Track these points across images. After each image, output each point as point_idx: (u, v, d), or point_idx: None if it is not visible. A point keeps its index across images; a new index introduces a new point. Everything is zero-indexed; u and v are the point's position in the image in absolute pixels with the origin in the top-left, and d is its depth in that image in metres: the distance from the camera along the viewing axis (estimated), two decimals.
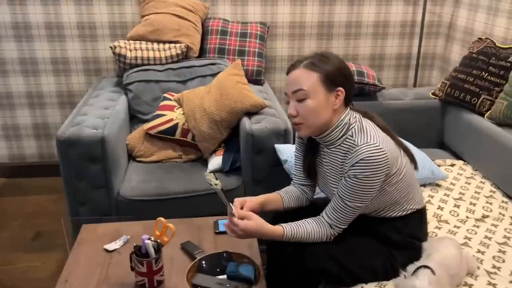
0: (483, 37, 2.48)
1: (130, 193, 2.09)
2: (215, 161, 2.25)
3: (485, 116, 2.23)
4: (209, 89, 2.35)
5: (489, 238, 1.71)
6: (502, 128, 2.11)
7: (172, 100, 2.46)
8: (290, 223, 1.41)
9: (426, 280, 1.31)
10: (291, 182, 1.65)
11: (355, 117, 1.41)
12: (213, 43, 2.77)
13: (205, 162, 2.34)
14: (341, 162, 1.40)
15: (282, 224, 1.40)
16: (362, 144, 1.31)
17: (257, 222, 1.35)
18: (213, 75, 2.56)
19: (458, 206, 1.93)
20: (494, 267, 1.54)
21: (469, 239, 1.70)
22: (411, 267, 1.40)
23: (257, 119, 2.18)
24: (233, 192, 2.15)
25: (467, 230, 1.77)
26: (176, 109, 2.41)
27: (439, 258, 1.40)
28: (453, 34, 2.98)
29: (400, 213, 1.48)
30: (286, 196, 1.57)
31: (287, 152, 2.07)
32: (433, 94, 2.54)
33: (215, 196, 1.73)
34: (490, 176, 2.14)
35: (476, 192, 2.05)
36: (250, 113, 2.24)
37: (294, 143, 2.13)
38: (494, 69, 2.26)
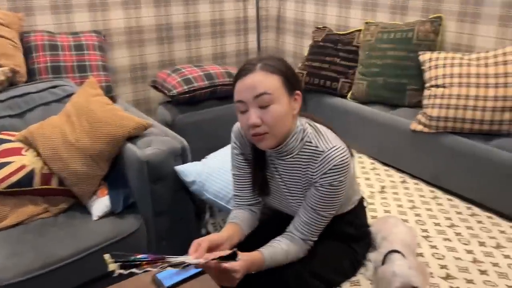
0: (321, 26, 2.69)
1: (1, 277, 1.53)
2: (101, 204, 1.83)
3: (348, 97, 2.44)
4: (68, 119, 1.89)
5: (401, 206, 1.88)
6: (366, 106, 2.34)
7: (14, 142, 1.89)
8: (263, 247, 1.25)
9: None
10: (235, 205, 1.46)
11: (304, 121, 1.32)
12: (42, 62, 2.24)
13: (83, 209, 1.88)
14: (304, 172, 1.30)
15: (258, 250, 1.23)
16: (329, 150, 1.24)
17: (242, 257, 1.15)
18: (60, 100, 2.08)
19: (358, 184, 2.05)
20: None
21: (388, 211, 1.84)
22: (375, 255, 1.41)
23: (144, 142, 1.85)
24: (136, 235, 1.80)
25: (381, 203, 1.90)
26: (25, 151, 1.86)
27: (398, 239, 1.45)
28: (284, 26, 3.15)
29: (350, 207, 1.47)
30: (243, 223, 1.38)
31: (192, 172, 1.84)
32: None
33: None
34: (365, 151, 2.35)
35: (362, 167, 2.23)
36: (131, 138, 1.89)
37: (190, 161, 1.91)
38: (344, 54, 2.48)
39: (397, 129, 2.16)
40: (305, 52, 2.65)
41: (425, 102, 2.01)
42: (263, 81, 1.19)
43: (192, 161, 1.92)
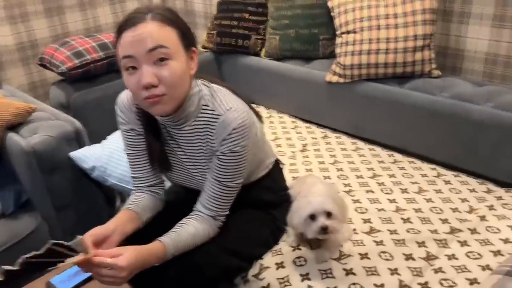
0: None
1: None
2: None
3: (262, 55, 2.29)
4: None
5: (322, 162, 1.79)
6: (281, 62, 2.20)
7: None
8: (165, 234, 1.10)
9: (320, 192, 1.27)
10: (134, 188, 1.28)
11: (200, 83, 1.15)
12: None
13: None
14: (204, 140, 1.14)
15: (159, 239, 1.08)
16: (225, 113, 1.08)
17: (132, 251, 1.00)
18: None
19: (279, 146, 1.94)
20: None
21: (310, 170, 1.74)
22: (295, 218, 1.30)
23: (29, 129, 1.61)
24: (35, 236, 1.58)
25: (302, 162, 1.80)
26: None
27: (318, 197, 1.34)
28: None
29: (264, 171, 1.35)
30: (140, 208, 1.20)
31: (90, 157, 1.63)
32: (203, 47, 2.44)
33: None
34: (285, 110, 2.24)
35: (283, 127, 2.12)
36: (14, 126, 1.64)
37: (88, 145, 1.69)
38: (253, 8, 2.30)
39: (314, 83, 2.05)
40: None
41: (337, 50, 1.91)
42: (158, 32, 1.00)
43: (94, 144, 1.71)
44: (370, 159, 1.80)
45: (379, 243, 1.32)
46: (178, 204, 1.34)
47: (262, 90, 2.29)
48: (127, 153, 1.26)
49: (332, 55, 2.08)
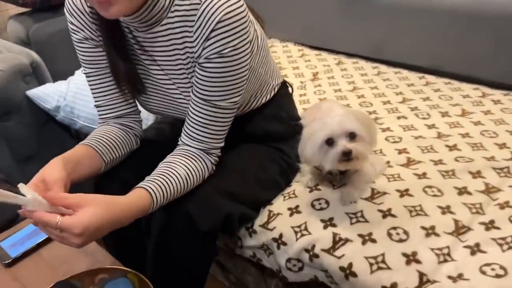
0: None
1: None
2: None
3: None
4: None
5: (339, 90, 1.47)
6: None
7: None
8: (147, 179, 0.80)
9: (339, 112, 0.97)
10: (98, 121, 0.98)
11: None
12: None
13: None
14: (182, 44, 0.83)
15: (140, 185, 0.78)
16: (207, 1, 0.75)
17: (97, 207, 0.69)
18: None
19: (285, 76, 1.62)
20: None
21: (324, 99, 1.43)
22: (308, 147, 0.99)
23: None
24: None
25: (314, 92, 1.48)
26: None
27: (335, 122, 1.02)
28: None
29: (269, 95, 1.04)
30: (101, 144, 0.89)
31: (52, 95, 1.32)
32: None
33: None
34: (289, 37, 1.90)
35: (288, 56, 1.78)
36: None
37: (47, 82, 1.38)
38: None
39: (322, 0, 1.70)
40: None
41: None
42: None
43: None
44: (396, 83, 1.48)
45: (422, 176, 1.01)
46: (159, 143, 1.05)
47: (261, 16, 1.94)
48: (84, 73, 0.95)
49: None
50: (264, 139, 1.05)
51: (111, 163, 0.90)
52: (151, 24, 0.83)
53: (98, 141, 0.88)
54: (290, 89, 1.14)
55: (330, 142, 0.91)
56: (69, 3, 0.89)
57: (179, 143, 0.90)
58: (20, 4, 1.58)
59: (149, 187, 0.78)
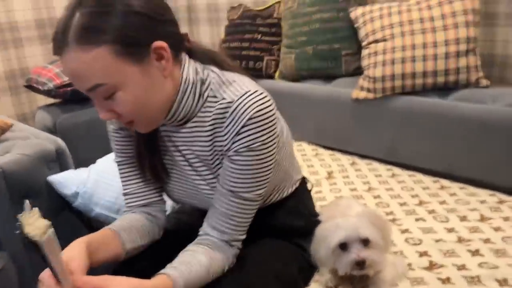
0: (236, 5, 2.31)
1: None
2: None
3: (276, 77, 2.06)
4: None
5: (354, 189, 1.48)
6: (298, 83, 1.96)
7: None
8: (170, 265, 0.80)
9: (354, 213, 0.96)
10: (124, 210, 0.99)
11: (201, 68, 0.87)
12: None
13: None
14: (211, 139, 0.86)
15: (164, 272, 0.77)
16: (239, 99, 0.81)
17: (124, 283, 0.68)
18: None
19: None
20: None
21: (339, 196, 1.43)
22: (321, 249, 0.98)
23: (2, 148, 1.34)
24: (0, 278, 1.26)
25: (330, 190, 1.49)
26: None
27: (351, 219, 1.01)
28: (196, 16, 2.75)
29: (291, 189, 1.06)
30: (124, 230, 0.89)
31: (73, 181, 1.34)
32: None
33: None
34: (304, 137, 1.96)
35: (303, 155, 1.83)
36: None
37: (70, 168, 1.41)
38: (265, 29, 2.11)
39: (337, 103, 1.79)
40: None
41: (365, 63, 1.66)
42: (86, 68, 0.73)
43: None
44: (412, 185, 1.49)
45: (446, 281, 0.98)
46: (178, 233, 1.04)
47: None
48: (116, 162, 0.98)
49: (356, 72, 1.84)
50: (284, 233, 1.04)
51: (132, 251, 0.89)
52: (184, 122, 0.87)
53: (124, 229, 0.88)
54: (309, 185, 1.16)
55: (343, 246, 0.92)
56: None
57: (200, 232, 0.90)
58: (52, 95, 1.67)
59: (173, 273, 0.76)
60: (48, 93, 1.66)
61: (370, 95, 1.65)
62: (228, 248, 0.87)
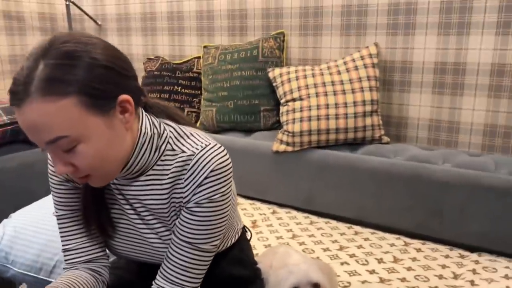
0: (153, 56, 2.35)
1: None
2: None
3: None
4: None
5: (280, 237, 1.56)
6: (218, 134, 2.03)
7: None
8: None
9: (302, 261, 1.05)
10: (65, 266, 0.93)
11: (157, 122, 0.90)
12: None
13: None
14: (168, 192, 0.87)
15: None
16: (200, 152, 0.84)
17: None
18: None
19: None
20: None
21: (269, 245, 1.49)
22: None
23: None
24: None
25: (258, 238, 1.55)
26: None
27: (301, 272, 1.09)
28: None
29: (234, 238, 1.09)
30: (76, 283, 0.85)
31: None
32: None
33: None
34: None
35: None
36: None
37: None
38: (184, 82, 2.17)
39: (256, 155, 1.89)
40: None
41: (283, 119, 1.80)
42: (49, 119, 0.71)
43: None
44: (330, 232, 1.62)
45: None
46: (125, 287, 1.00)
47: None
48: (57, 216, 0.93)
49: (274, 127, 1.98)
50: (228, 283, 1.05)
51: None
52: (136, 177, 0.88)
53: (69, 284, 0.83)
54: (248, 234, 1.20)
55: None
56: None
57: (153, 286, 0.88)
58: None
59: None
60: None
61: (289, 148, 1.78)
62: None
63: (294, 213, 1.80)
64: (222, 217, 0.87)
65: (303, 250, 1.46)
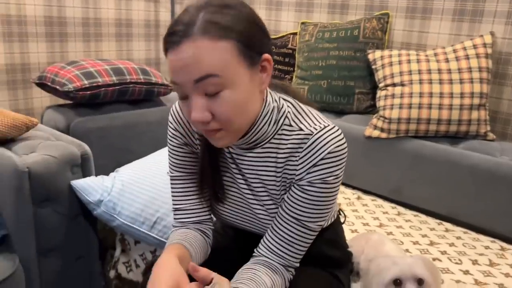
0: None
1: None
2: None
3: None
4: None
5: (367, 224, 1.53)
6: None
7: None
8: (239, 281, 0.81)
9: (407, 256, 1.01)
10: (175, 224, 0.98)
11: (278, 96, 0.91)
12: None
13: None
14: (281, 167, 0.88)
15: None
16: (319, 132, 0.84)
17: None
18: None
19: None
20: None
21: (356, 231, 1.47)
22: (374, 283, 1.02)
23: (25, 147, 1.28)
24: (7, 285, 1.19)
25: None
26: None
27: (406, 265, 1.05)
28: None
29: (331, 220, 1.08)
30: (191, 247, 0.90)
31: (97, 188, 1.30)
32: None
33: None
34: None
35: None
36: (4, 142, 1.31)
37: (92, 174, 1.37)
38: (278, 57, 2.16)
39: (347, 138, 1.83)
40: None
41: (380, 103, 1.74)
42: (207, 54, 0.74)
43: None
44: (419, 225, 1.56)
45: None
46: (219, 253, 1.04)
47: None
48: (171, 176, 0.97)
49: (367, 111, 1.93)
50: (322, 263, 1.06)
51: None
52: (252, 147, 0.89)
53: (191, 244, 0.89)
54: (342, 217, 1.19)
55: (397, 283, 0.95)
56: (176, 111, 0.95)
57: (255, 254, 0.91)
58: (70, 97, 1.63)
59: None
60: (66, 94, 1.61)
61: (383, 135, 1.73)
62: (285, 273, 0.88)
63: (380, 201, 1.76)
64: (332, 199, 0.87)
65: (392, 241, 1.42)
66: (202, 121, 0.78)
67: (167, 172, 0.98)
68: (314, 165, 0.83)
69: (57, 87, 1.64)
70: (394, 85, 1.73)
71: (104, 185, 1.31)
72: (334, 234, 1.10)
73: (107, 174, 1.45)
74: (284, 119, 0.88)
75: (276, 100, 0.89)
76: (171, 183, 0.98)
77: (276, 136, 0.88)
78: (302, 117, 0.88)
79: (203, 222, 0.98)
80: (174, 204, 0.98)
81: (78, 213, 1.34)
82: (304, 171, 0.85)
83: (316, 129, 0.84)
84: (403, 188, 1.74)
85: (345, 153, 0.86)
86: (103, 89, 1.68)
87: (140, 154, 1.61)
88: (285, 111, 0.89)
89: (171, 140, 0.97)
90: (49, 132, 1.44)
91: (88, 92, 1.64)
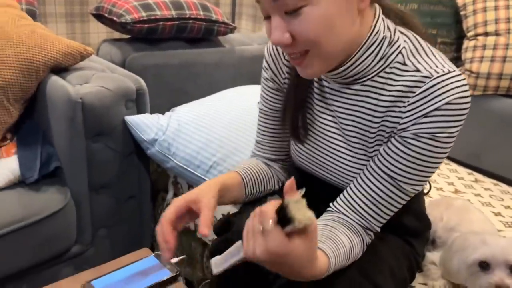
0: None
1: None
2: (4, 168, 1.16)
3: None
4: None
5: (441, 189, 1.38)
6: None
7: None
8: (322, 242, 0.70)
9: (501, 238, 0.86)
10: (251, 155, 0.97)
11: (392, 27, 0.75)
12: None
13: None
14: (384, 112, 0.74)
15: (321, 248, 0.67)
16: (440, 76, 0.68)
17: (310, 246, 0.59)
18: None
19: None
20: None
21: (429, 196, 1.32)
22: (454, 261, 0.87)
23: (79, 77, 1.21)
24: (59, 218, 1.16)
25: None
26: None
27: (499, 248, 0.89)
28: None
29: None
30: (249, 176, 0.88)
31: (152, 126, 1.22)
32: None
33: None
34: None
35: None
36: (59, 70, 1.24)
37: (147, 112, 1.29)
38: None
39: None
40: None
41: (467, 55, 1.53)
42: None
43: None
44: (500, 195, 1.38)
45: None
46: None
47: None
48: (259, 108, 0.93)
49: None
50: (398, 231, 0.93)
51: (250, 196, 0.89)
52: (350, 82, 0.75)
53: (247, 172, 0.88)
54: (428, 186, 1.05)
55: (484, 266, 0.80)
56: (271, 45, 0.88)
57: (330, 208, 0.79)
58: (127, 29, 1.53)
59: (329, 252, 0.67)
60: (123, 26, 1.51)
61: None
62: (365, 236, 0.77)
63: (454, 165, 1.58)
64: (438, 161, 0.72)
65: None
66: (280, 42, 0.67)
67: (258, 103, 0.91)
68: (425, 115, 0.68)
69: (114, 18, 1.54)
70: (486, 34, 1.50)
71: (160, 124, 1.23)
72: (417, 204, 0.96)
73: (162, 113, 1.36)
74: (397, 55, 0.73)
75: (389, 30, 0.74)
76: (258, 115, 0.94)
77: (382, 74, 0.74)
78: (421, 56, 0.72)
79: (277, 161, 0.95)
80: (257, 136, 0.95)
81: (131, 151, 1.27)
82: (411, 120, 0.70)
83: (438, 73, 0.68)
84: (484, 153, 1.55)
85: (467, 108, 0.70)
86: (161, 23, 1.57)
87: (194, 96, 1.51)
88: (399, 45, 0.73)
89: (263, 73, 0.91)
90: (104, 64, 1.37)
91: (146, 26, 1.54)
